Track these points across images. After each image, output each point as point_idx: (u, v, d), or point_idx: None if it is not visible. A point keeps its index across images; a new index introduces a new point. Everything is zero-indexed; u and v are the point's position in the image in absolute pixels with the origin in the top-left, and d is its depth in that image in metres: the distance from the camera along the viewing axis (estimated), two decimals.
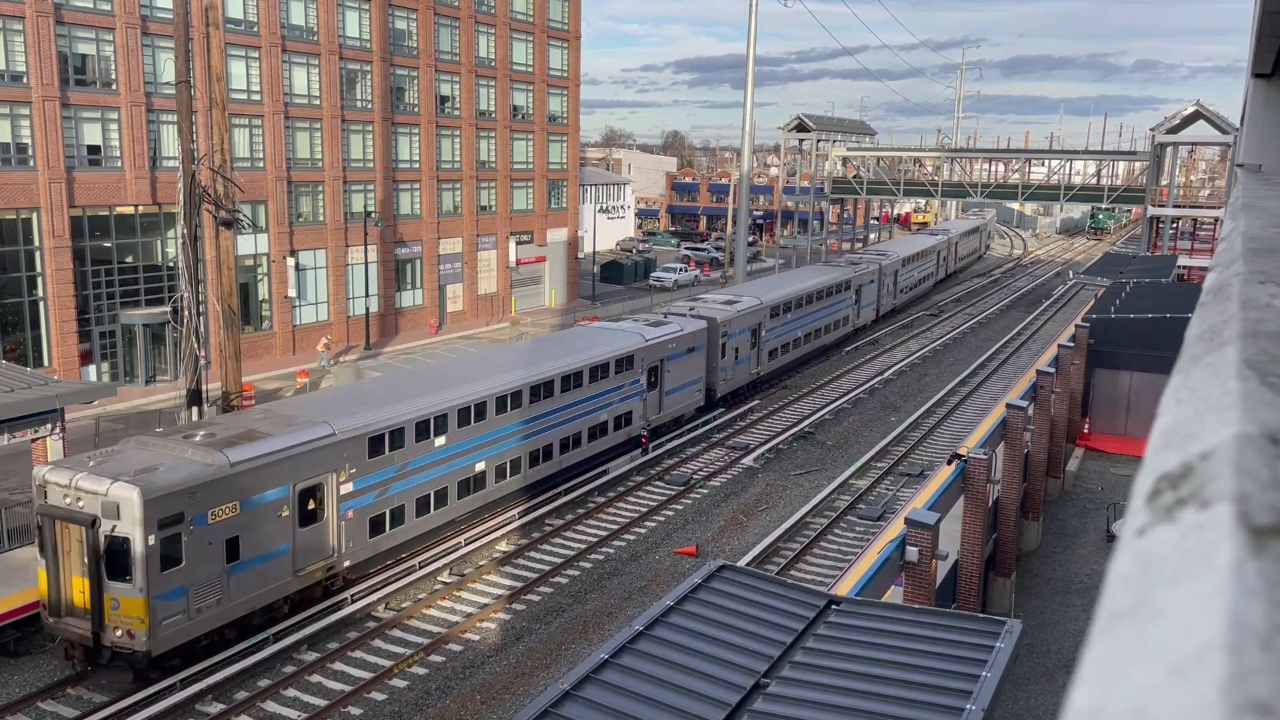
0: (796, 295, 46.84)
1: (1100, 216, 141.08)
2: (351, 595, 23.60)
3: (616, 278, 75.29)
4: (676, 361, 35.95)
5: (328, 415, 23.33)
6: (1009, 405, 24.64)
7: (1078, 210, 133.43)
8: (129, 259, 42.03)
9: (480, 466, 27.27)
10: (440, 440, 25.74)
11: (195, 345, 31.64)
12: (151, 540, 19.01)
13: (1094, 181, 75.44)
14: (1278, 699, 0.66)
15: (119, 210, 41.21)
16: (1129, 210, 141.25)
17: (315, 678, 20.61)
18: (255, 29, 45.50)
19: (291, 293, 48.20)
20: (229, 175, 32.18)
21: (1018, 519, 25.35)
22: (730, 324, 39.61)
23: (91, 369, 40.70)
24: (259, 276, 47.38)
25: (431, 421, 25.43)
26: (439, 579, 25.21)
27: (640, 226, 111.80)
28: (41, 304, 38.92)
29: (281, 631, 21.92)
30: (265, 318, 47.89)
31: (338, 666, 21.07)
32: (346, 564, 23.47)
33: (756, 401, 41.79)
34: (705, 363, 37.84)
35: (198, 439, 21.19)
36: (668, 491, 31.39)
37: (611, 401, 32.63)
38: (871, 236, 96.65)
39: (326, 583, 23.21)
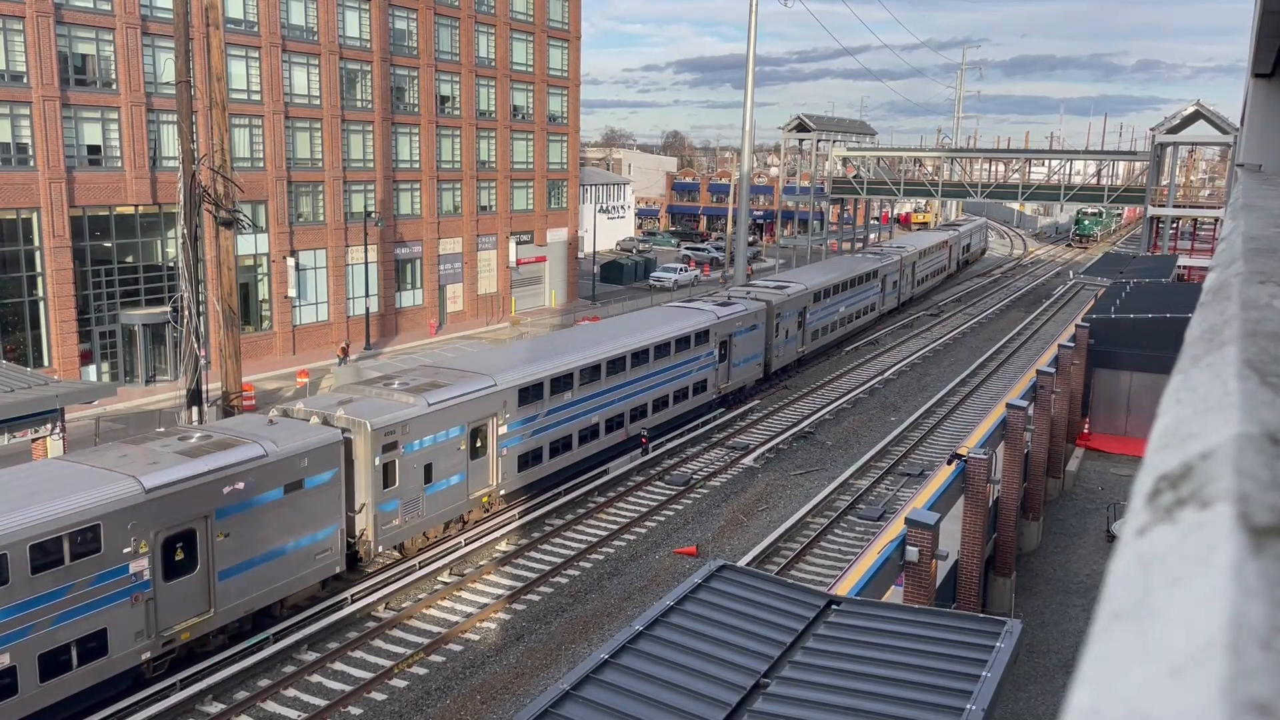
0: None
1: (1086, 222, 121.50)
2: (351, 595, 23.61)
3: (616, 278, 75.28)
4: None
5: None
6: (1009, 405, 24.63)
7: (1070, 212, 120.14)
8: (129, 259, 42.03)
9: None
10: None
11: (195, 345, 31.64)
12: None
13: (1094, 181, 75.42)
14: (1278, 699, 0.66)
15: (119, 210, 41.21)
16: (1118, 214, 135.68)
17: (315, 678, 20.61)
18: (255, 29, 45.50)
19: (291, 293, 48.20)
20: (229, 175, 32.17)
21: (1018, 519, 25.35)
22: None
23: (91, 369, 40.70)
24: (259, 276, 47.38)
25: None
26: (439, 579, 25.20)
27: (640, 226, 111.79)
28: (41, 304, 38.92)
29: (281, 631, 21.92)
30: (265, 318, 47.88)
31: (338, 666, 21.06)
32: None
33: (756, 402, 41.85)
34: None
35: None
36: (668, 491, 31.39)
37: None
38: (872, 236, 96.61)
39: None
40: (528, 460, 29.22)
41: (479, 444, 27.22)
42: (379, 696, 19.97)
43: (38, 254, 38.69)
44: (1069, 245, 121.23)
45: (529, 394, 28.96)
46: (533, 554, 26.79)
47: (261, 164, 46.47)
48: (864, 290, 57.21)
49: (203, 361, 32.88)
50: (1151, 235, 68.37)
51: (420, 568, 25.31)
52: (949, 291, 77.25)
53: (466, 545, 26.76)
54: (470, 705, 19.88)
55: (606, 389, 32.54)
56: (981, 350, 53.19)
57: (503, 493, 28.40)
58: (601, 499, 30.73)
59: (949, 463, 21.16)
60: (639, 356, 34.12)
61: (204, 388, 32.40)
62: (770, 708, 10.04)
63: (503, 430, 27.99)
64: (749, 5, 60.87)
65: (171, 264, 42.29)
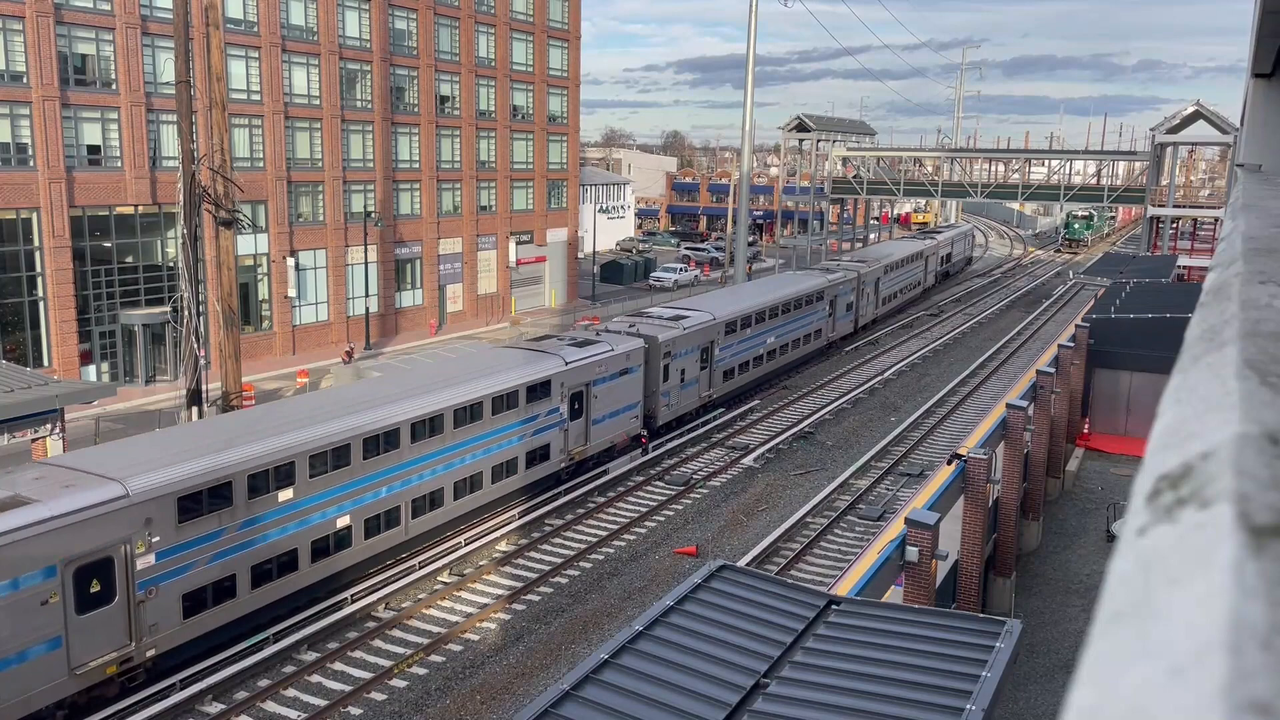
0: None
1: (1075, 225, 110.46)
2: (352, 595, 23.60)
3: (616, 278, 75.29)
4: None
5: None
6: (1009, 405, 24.62)
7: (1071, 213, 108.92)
8: (129, 259, 42.03)
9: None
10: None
11: (195, 345, 31.64)
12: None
13: (1094, 181, 75.43)
14: (1278, 699, 0.66)
15: (119, 210, 41.21)
16: (1112, 217, 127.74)
17: (315, 678, 20.61)
18: (255, 29, 45.50)
19: (291, 293, 48.20)
20: (229, 175, 32.17)
21: (1018, 519, 25.34)
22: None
23: (91, 369, 40.70)
24: (259, 276, 47.38)
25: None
26: (439, 579, 25.21)
27: (640, 226, 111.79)
28: (41, 304, 38.93)
29: (281, 631, 21.93)
30: (265, 318, 47.89)
31: (338, 666, 21.07)
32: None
33: (756, 401, 41.85)
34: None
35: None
36: (668, 491, 31.39)
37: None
38: (872, 237, 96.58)
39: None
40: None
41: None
42: (379, 696, 19.97)
43: (37, 254, 38.69)
44: (1058, 250, 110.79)
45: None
46: (533, 554, 26.80)
47: (261, 164, 46.47)
48: (804, 315, 47.34)
49: (202, 361, 32.88)
50: (1151, 235, 68.38)
51: (420, 568, 25.31)
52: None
53: (466, 545, 26.76)
54: (470, 705, 19.88)
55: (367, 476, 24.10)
56: (981, 350, 53.19)
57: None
58: (601, 499, 30.73)
59: (949, 463, 21.16)
60: (431, 424, 25.77)
61: (204, 388, 32.40)
62: (770, 708, 10.04)
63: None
64: (749, 5, 60.89)
65: (171, 264, 42.29)
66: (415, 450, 25.21)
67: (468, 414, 26.87)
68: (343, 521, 23.37)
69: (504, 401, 28.09)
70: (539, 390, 29.33)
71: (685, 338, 37.09)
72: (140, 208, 41.84)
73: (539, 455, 29.77)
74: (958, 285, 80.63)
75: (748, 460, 34.35)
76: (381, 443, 24.18)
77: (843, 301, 52.32)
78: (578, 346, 31.94)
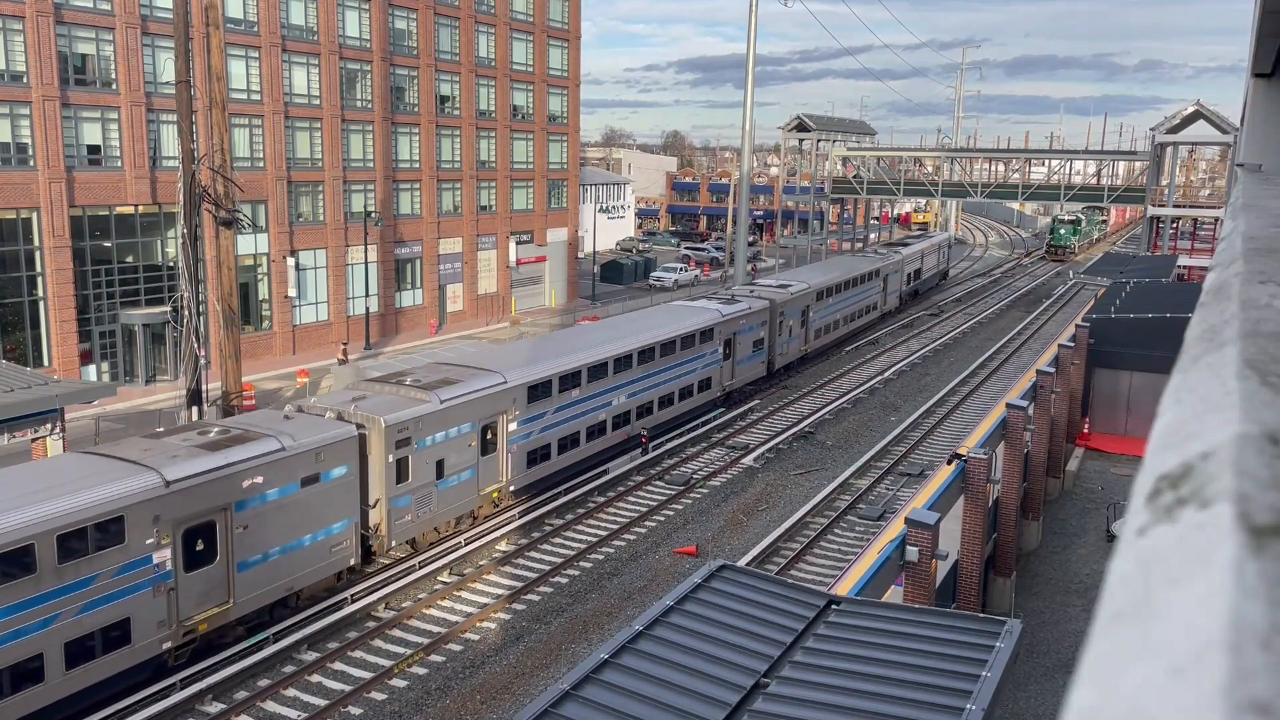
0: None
1: (1062, 231, 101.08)
2: (351, 595, 23.61)
3: (616, 278, 75.29)
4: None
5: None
6: (1009, 405, 24.62)
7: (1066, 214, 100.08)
8: (129, 259, 42.03)
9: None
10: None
11: (195, 345, 31.64)
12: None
13: (1094, 181, 75.44)
14: (1278, 699, 0.66)
15: (119, 210, 41.21)
16: (1103, 221, 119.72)
17: (315, 678, 20.61)
18: (255, 29, 45.50)
19: (291, 293, 48.20)
20: (229, 175, 32.17)
21: (1018, 519, 25.34)
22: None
23: (91, 369, 40.70)
24: (259, 276, 47.38)
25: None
26: (439, 579, 25.20)
27: (640, 226, 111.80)
28: (41, 304, 38.92)
29: (281, 631, 21.92)
30: (265, 318, 47.89)
31: (338, 666, 21.06)
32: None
33: (757, 402, 41.85)
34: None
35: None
36: (668, 491, 31.39)
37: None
38: (871, 236, 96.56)
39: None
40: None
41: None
42: (379, 696, 19.97)
43: (38, 254, 38.69)
44: (1043, 257, 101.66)
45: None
46: (533, 554, 26.79)
47: (261, 164, 46.47)
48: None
49: (203, 361, 32.88)
50: (1151, 235, 68.39)
51: (420, 567, 25.31)
52: (949, 291, 76.62)
53: (466, 545, 26.76)
54: (470, 705, 19.88)
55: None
56: (981, 350, 53.19)
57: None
58: (601, 499, 30.73)
59: (949, 463, 21.16)
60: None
61: (204, 388, 32.40)
62: (770, 708, 10.04)
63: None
64: (749, 5, 60.89)
65: (171, 264, 42.29)
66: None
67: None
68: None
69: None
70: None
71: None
72: (140, 207, 41.84)
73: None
74: (954, 286, 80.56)
75: (748, 460, 34.35)
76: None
77: (747, 340, 41.26)
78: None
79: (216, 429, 21.85)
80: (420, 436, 24.77)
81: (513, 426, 28.09)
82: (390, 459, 23.96)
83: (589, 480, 31.57)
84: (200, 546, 19.84)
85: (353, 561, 23.37)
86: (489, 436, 27.30)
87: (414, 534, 25.27)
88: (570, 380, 30.58)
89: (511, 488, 28.40)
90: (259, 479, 20.74)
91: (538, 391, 29.08)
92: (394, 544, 24.63)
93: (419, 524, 25.22)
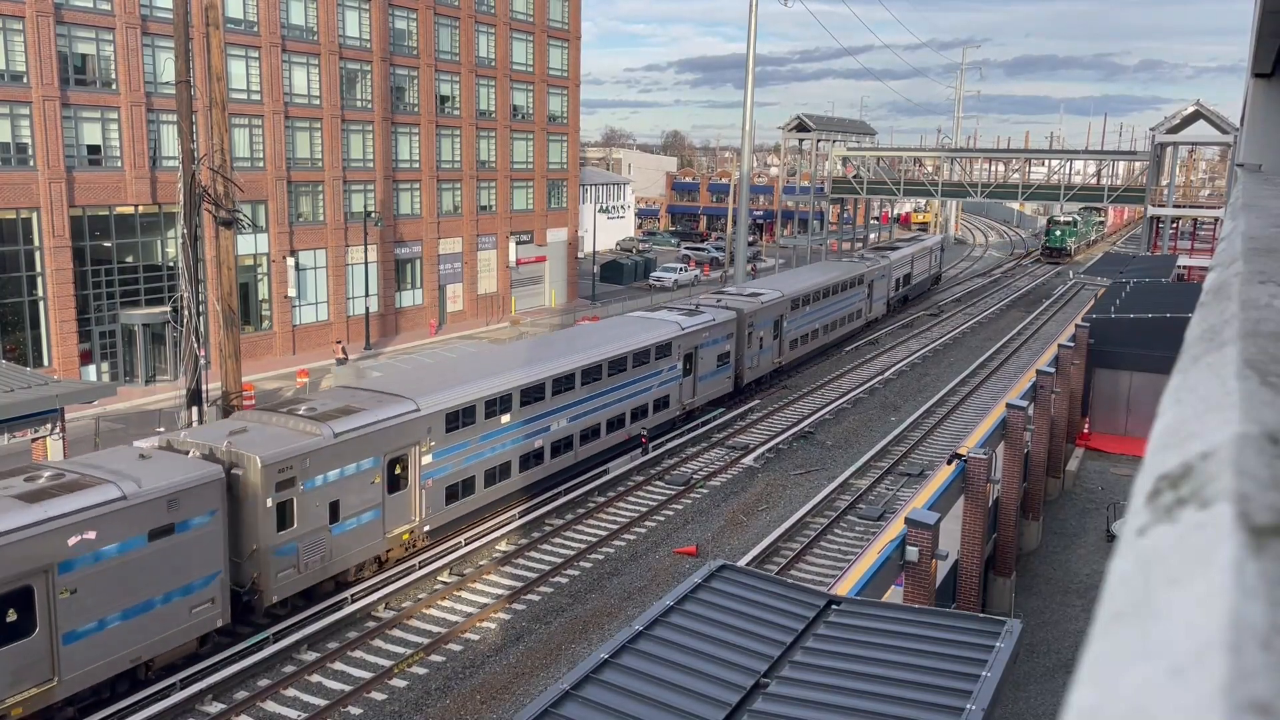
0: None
1: (1057, 233, 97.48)
2: (351, 595, 23.61)
3: (616, 278, 75.30)
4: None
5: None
6: (1009, 405, 24.62)
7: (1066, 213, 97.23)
8: (129, 259, 42.03)
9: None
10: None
11: (195, 345, 31.64)
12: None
13: (1094, 181, 75.44)
14: (1278, 699, 0.66)
15: (119, 210, 41.21)
16: (1100, 222, 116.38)
17: (315, 678, 20.61)
18: (255, 29, 45.50)
19: (291, 293, 48.20)
20: (229, 175, 32.17)
21: (1018, 519, 25.34)
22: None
23: (91, 369, 40.70)
24: (259, 276, 47.38)
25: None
26: (439, 579, 25.20)
27: (640, 226, 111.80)
28: (41, 304, 38.92)
29: (281, 631, 21.92)
30: (265, 318, 47.89)
31: (338, 666, 21.07)
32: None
33: (756, 402, 41.84)
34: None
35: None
36: (668, 491, 31.39)
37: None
38: (872, 236, 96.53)
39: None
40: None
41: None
42: (379, 696, 19.97)
43: (37, 254, 38.69)
44: (1039, 259, 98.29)
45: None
46: (533, 554, 26.80)
47: (261, 164, 46.46)
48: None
49: (203, 361, 32.88)
50: (1151, 235, 68.40)
51: (420, 567, 25.31)
52: (948, 292, 76.33)
53: (466, 545, 26.76)
54: (470, 705, 19.88)
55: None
56: (981, 350, 53.19)
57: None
58: (601, 499, 30.72)
59: (949, 463, 21.16)
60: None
61: (204, 388, 32.40)
62: (770, 708, 10.04)
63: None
64: (749, 5, 60.90)
65: (171, 264, 42.29)
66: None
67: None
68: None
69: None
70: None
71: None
72: (140, 207, 41.83)
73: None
74: (954, 286, 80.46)
75: (748, 460, 34.35)
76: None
77: (711, 354, 38.45)
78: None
79: (48, 474, 18.55)
80: (308, 475, 21.68)
81: (427, 459, 24.98)
82: (269, 503, 21.02)
83: (589, 480, 31.57)
84: (11, 617, 16.67)
85: (220, 623, 20.34)
86: (397, 471, 24.26)
87: (303, 586, 22.19)
88: (499, 405, 27.45)
89: (426, 528, 25.36)
90: (90, 534, 17.53)
91: (458, 419, 25.92)
92: (276, 599, 21.61)
93: (308, 575, 22.10)
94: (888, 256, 62.41)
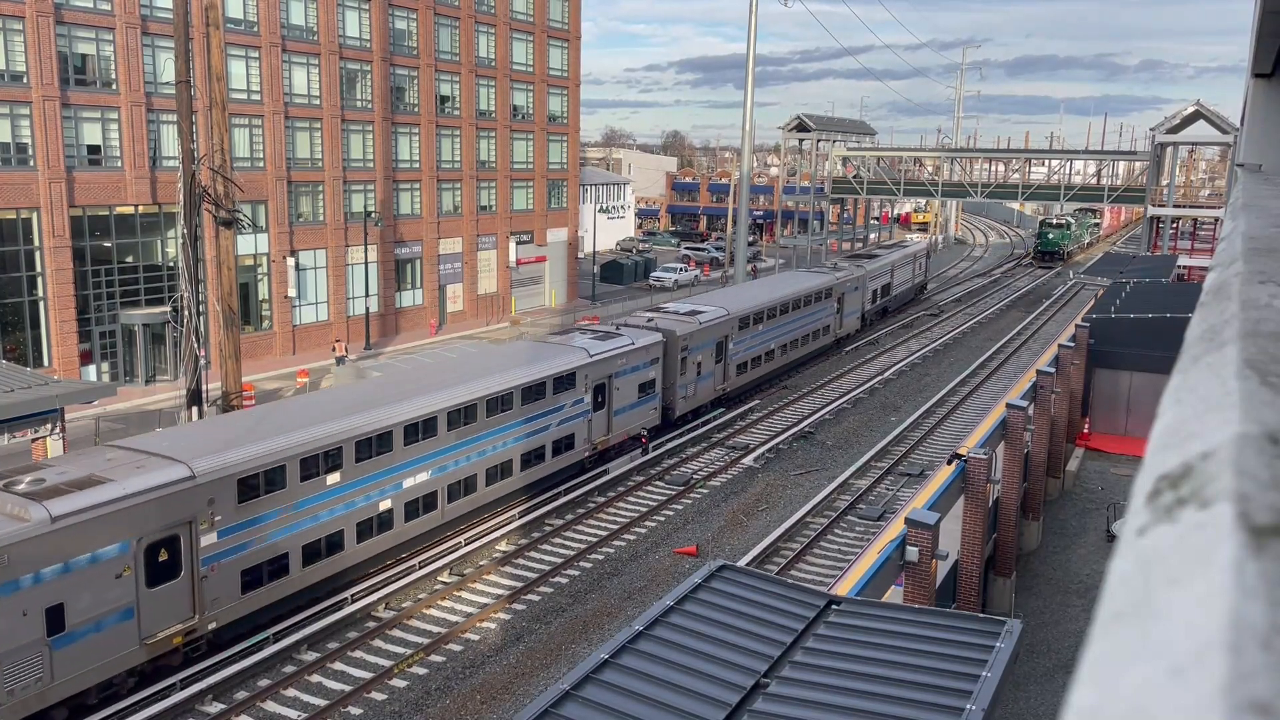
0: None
1: (1051, 235, 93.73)
2: (352, 595, 23.61)
3: (616, 278, 75.31)
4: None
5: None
6: (1009, 405, 24.62)
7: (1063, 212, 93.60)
8: (129, 259, 42.04)
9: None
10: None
11: (195, 345, 31.64)
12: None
13: (1094, 181, 75.45)
14: (1278, 699, 0.66)
15: (119, 210, 41.21)
16: (1096, 224, 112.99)
17: (315, 678, 20.61)
18: (255, 29, 45.50)
19: (291, 293, 48.21)
20: (229, 175, 32.18)
21: (1018, 519, 25.35)
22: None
23: (91, 369, 40.70)
24: (259, 276, 47.39)
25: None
26: (439, 579, 25.21)
27: (640, 226, 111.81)
28: (41, 304, 38.92)
29: (281, 631, 21.93)
30: (265, 318, 47.89)
31: (338, 666, 21.07)
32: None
33: (756, 402, 41.83)
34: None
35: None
36: (668, 491, 31.39)
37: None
38: (872, 236, 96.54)
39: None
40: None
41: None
42: (379, 696, 19.98)
43: (37, 254, 38.69)
44: (1032, 261, 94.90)
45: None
46: (533, 554, 26.80)
47: (261, 164, 46.47)
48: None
49: (203, 361, 32.89)
50: (1151, 235, 68.41)
51: (420, 568, 25.32)
52: (948, 293, 76.09)
53: (466, 545, 26.76)
54: (470, 705, 19.88)
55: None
56: (981, 350, 53.19)
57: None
58: (601, 499, 30.72)
59: (949, 463, 21.16)
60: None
61: (204, 388, 32.41)
62: (770, 708, 10.04)
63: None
64: (750, 5, 60.90)
65: (171, 264, 42.30)
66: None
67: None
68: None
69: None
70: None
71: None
72: (140, 208, 41.84)
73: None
74: (952, 287, 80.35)
75: (748, 460, 34.35)
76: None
77: (630, 383, 33.55)
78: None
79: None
80: (9, 576, 16.66)
81: (210, 539, 20.05)
82: None
83: (589, 480, 31.57)
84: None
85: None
86: (163, 558, 19.21)
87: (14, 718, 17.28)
88: (321, 462, 22.31)
89: (212, 625, 20.35)
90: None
91: (257, 484, 20.94)
92: None
93: (17, 703, 17.10)
94: (863, 266, 57.32)
